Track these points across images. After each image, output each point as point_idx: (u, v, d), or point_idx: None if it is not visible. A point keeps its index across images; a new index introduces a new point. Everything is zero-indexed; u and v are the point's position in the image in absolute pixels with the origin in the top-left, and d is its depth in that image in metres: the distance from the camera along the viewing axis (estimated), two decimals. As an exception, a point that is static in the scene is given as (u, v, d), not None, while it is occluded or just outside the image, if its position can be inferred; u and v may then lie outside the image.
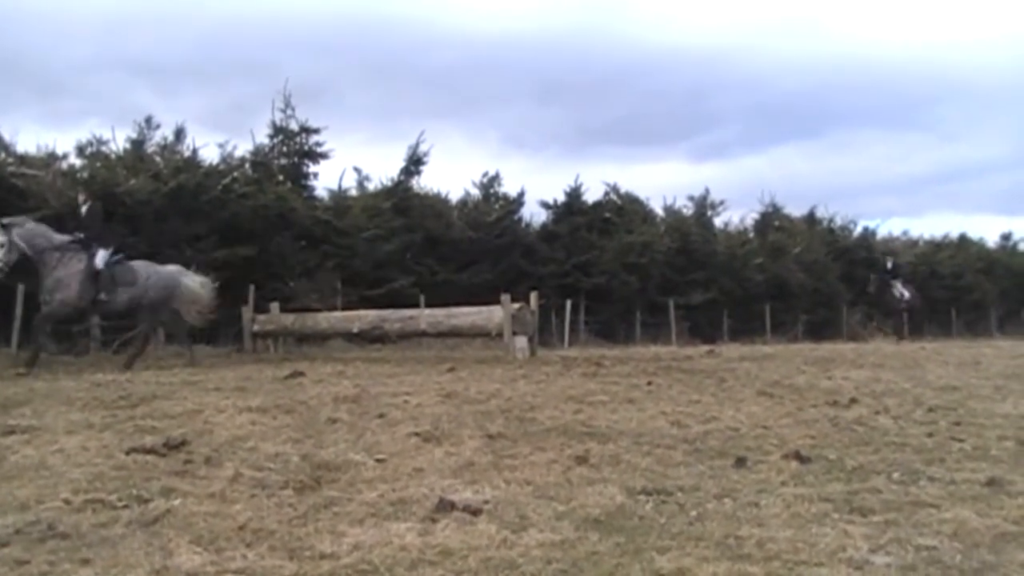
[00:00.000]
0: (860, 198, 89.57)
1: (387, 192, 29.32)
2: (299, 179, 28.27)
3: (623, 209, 34.61)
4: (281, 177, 27.70)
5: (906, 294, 34.97)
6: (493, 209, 31.66)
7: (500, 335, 18.63)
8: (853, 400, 11.39)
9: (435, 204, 30.63)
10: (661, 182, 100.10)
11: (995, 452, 8.09)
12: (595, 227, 33.07)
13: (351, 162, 39.61)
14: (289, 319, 21.71)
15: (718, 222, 38.43)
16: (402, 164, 29.90)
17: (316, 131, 28.07)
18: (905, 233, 47.79)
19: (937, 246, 46.23)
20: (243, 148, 27.47)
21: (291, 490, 6.52)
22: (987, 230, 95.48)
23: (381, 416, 9.67)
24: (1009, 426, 9.45)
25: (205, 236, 23.79)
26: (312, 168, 28.61)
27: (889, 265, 36.24)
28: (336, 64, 70.91)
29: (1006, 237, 52.55)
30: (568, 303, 28.65)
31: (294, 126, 27.91)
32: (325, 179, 29.61)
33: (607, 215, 33.94)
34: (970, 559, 4.90)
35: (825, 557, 4.92)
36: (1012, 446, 8.33)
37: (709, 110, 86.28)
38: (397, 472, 7.11)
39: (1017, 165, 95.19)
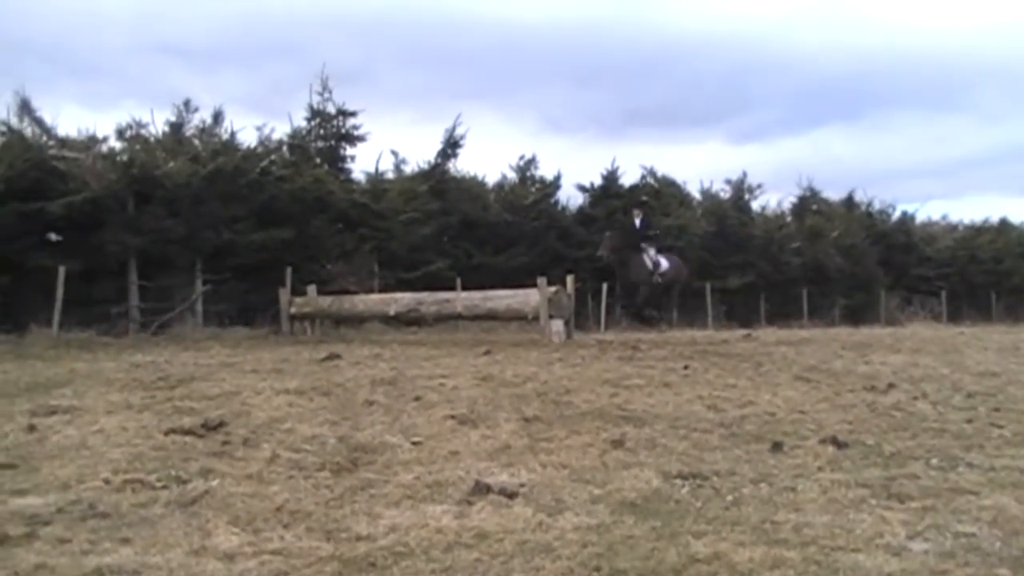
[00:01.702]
0: (899, 181, 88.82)
1: (424, 175, 29.35)
2: (336, 162, 28.37)
3: (660, 192, 34.50)
4: (318, 160, 27.83)
5: (662, 263, 24.21)
6: (529, 192, 31.68)
7: (536, 318, 18.60)
8: (891, 385, 11.31)
9: (471, 187, 30.65)
10: (699, 165, 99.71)
11: (1035, 439, 8.03)
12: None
13: (388, 145, 39.71)
14: (326, 301, 21.77)
15: (755, 206, 38.26)
16: (439, 147, 29.95)
17: (353, 114, 28.16)
18: (944, 217, 47.38)
19: (977, 230, 45.78)
20: (281, 131, 27.63)
21: (328, 472, 6.56)
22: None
23: (417, 399, 9.69)
24: (1050, 413, 9.37)
25: (243, 219, 23.92)
26: (349, 151, 28.73)
27: (637, 222, 24.65)
28: (374, 47, 71.12)
29: (1048, 220, 51.99)
30: (604, 286, 28.56)
31: (331, 109, 28.00)
32: (362, 162, 29.87)
33: (644, 198, 33.81)
34: (1009, 546, 4.86)
35: (862, 543, 4.89)
36: (1052, 433, 8.26)
37: (748, 93, 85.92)
38: (433, 455, 7.14)
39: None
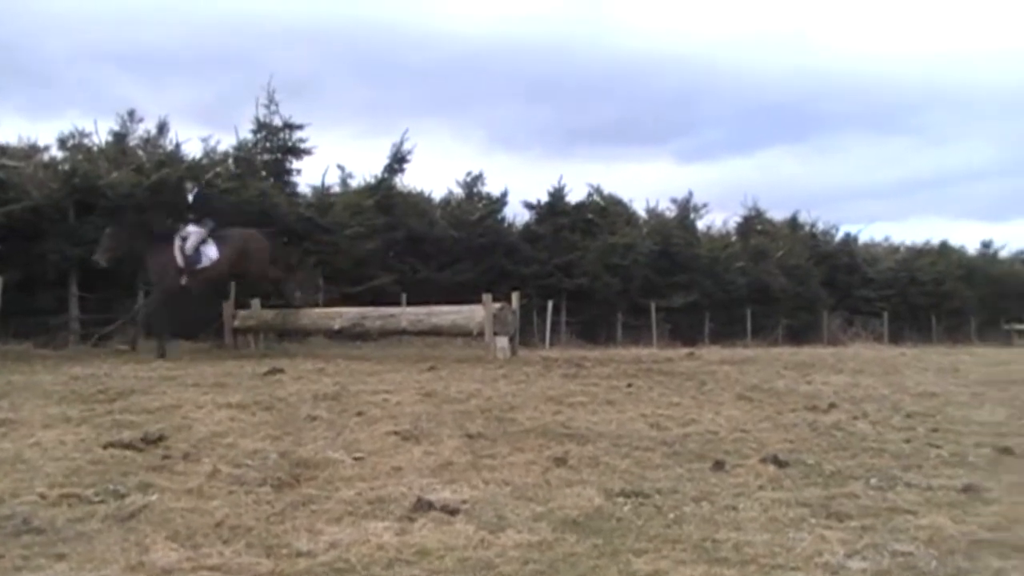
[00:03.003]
0: (844, 202, 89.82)
1: (370, 190, 29.25)
2: (282, 175, 28.18)
3: (606, 210, 34.66)
4: (264, 173, 27.63)
5: (207, 254, 19.03)
6: (476, 208, 31.68)
7: (481, 334, 18.60)
8: (832, 405, 11.44)
9: (418, 202, 30.62)
10: (646, 184, 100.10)
11: (972, 459, 8.13)
12: (578, 228, 33.12)
13: (335, 159, 39.60)
14: (270, 315, 21.62)
15: (701, 225, 38.57)
16: (386, 162, 29.87)
17: (300, 127, 27.98)
18: (887, 239, 47.99)
19: (918, 253, 46.38)
20: (226, 143, 27.35)
21: (269, 487, 6.51)
22: (970, 237, 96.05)
23: (360, 414, 9.65)
24: (986, 433, 9.51)
25: (186, 231, 23.65)
26: (295, 164, 28.51)
27: (190, 197, 19.91)
28: (322, 60, 70.89)
29: (987, 244, 52.77)
30: (550, 303, 28.65)
31: (278, 122, 27.82)
32: (308, 176, 29.63)
33: (590, 216, 33.97)
34: (945, 566, 4.92)
35: (801, 561, 4.93)
36: (989, 453, 8.37)
37: (695, 114, 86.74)
38: (375, 471, 7.10)
39: (1001, 172, 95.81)
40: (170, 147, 25.92)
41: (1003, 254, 52.81)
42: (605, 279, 31.81)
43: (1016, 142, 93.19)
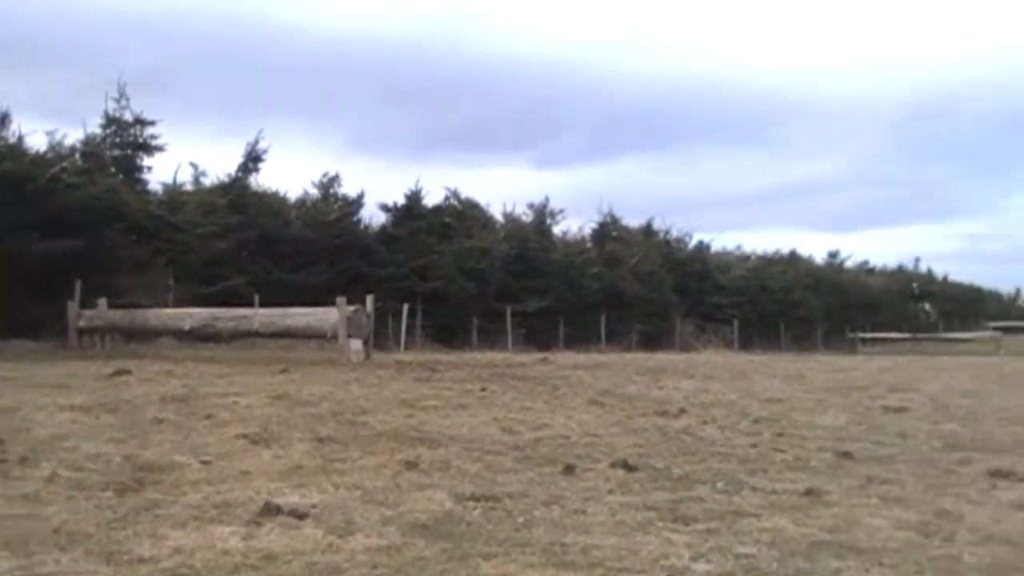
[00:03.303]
0: (699, 211, 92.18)
1: (224, 188, 28.86)
2: (132, 172, 27.61)
3: (463, 214, 34.79)
4: (113, 169, 26.96)
5: None
6: (332, 209, 31.50)
7: (335, 337, 18.47)
8: (682, 410, 11.63)
9: (273, 202, 30.33)
10: (504, 188, 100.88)
11: (814, 463, 8.33)
12: (434, 231, 33.15)
13: (188, 156, 38.80)
14: (117, 315, 21.10)
15: (557, 230, 39.01)
16: (240, 161, 29.49)
17: (151, 123, 27.48)
18: (738, 247, 49.26)
19: (768, 261, 47.69)
20: (74, 137, 26.63)
21: (111, 492, 6.32)
22: (818, 247, 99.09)
23: (209, 417, 9.49)
24: (828, 438, 9.75)
25: (29, 227, 22.84)
26: (146, 161, 28.02)
27: None
28: (176, 54, 69.28)
29: (833, 255, 54.72)
30: (405, 307, 28.57)
31: (128, 117, 27.22)
32: (159, 173, 28.93)
33: (446, 219, 34.01)
34: (786, 567, 5.03)
35: (647, 565, 4.98)
36: (830, 457, 8.59)
37: (554, 119, 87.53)
38: (223, 474, 6.97)
39: (849, 185, 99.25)
40: (12, 139, 25.06)
41: (848, 264, 54.80)
42: (461, 283, 31.88)
43: (863, 157, 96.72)
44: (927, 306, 42.96)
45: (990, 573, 4.95)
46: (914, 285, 48.73)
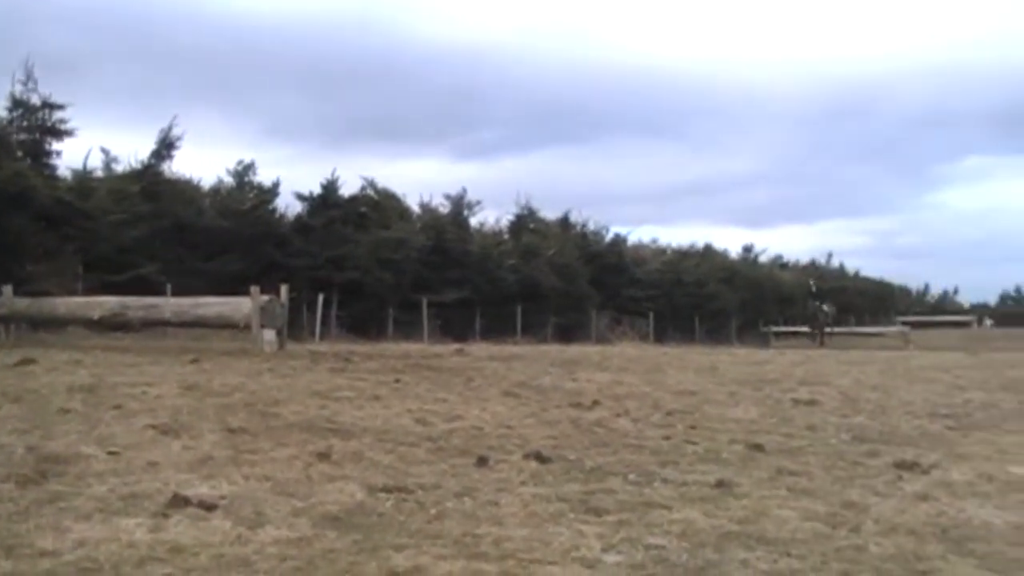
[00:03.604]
0: (616, 204, 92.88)
1: (136, 175, 28.39)
2: (40, 157, 26.97)
3: (379, 204, 34.59)
4: (20, 153, 26.35)
5: None
6: (247, 198, 31.12)
7: (248, 327, 18.26)
8: (595, 402, 11.66)
9: (186, 190, 29.91)
10: (422, 179, 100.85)
11: (725, 455, 8.42)
12: (350, 221, 32.92)
13: (99, 142, 38.11)
14: (23, 303, 20.64)
15: (474, 222, 38.99)
16: (153, 147, 29.01)
17: (60, 107, 26.88)
18: (654, 240, 49.66)
19: (683, 254, 48.16)
20: (-23, 121, 25.99)
21: (13, 484, 6.17)
22: (733, 242, 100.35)
23: (117, 407, 9.33)
24: (739, 430, 9.86)
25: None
26: (55, 146, 27.37)
27: None
28: (87, 38, 68.14)
29: (748, 249, 55.54)
30: (320, 297, 28.36)
31: (36, 100, 26.63)
32: (69, 158, 28.35)
33: (363, 209, 33.81)
34: (695, 558, 5.08)
35: (559, 556, 5.00)
36: (741, 449, 8.69)
37: (473, 110, 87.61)
38: (130, 466, 6.85)
39: (765, 181, 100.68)
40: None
41: (763, 259, 55.61)
42: (377, 273, 31.73)
43: (779, 153, 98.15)
44: (825, 307, 42.54)
45: (893, 563, 5.04)
46: (811, 282, 48.67)
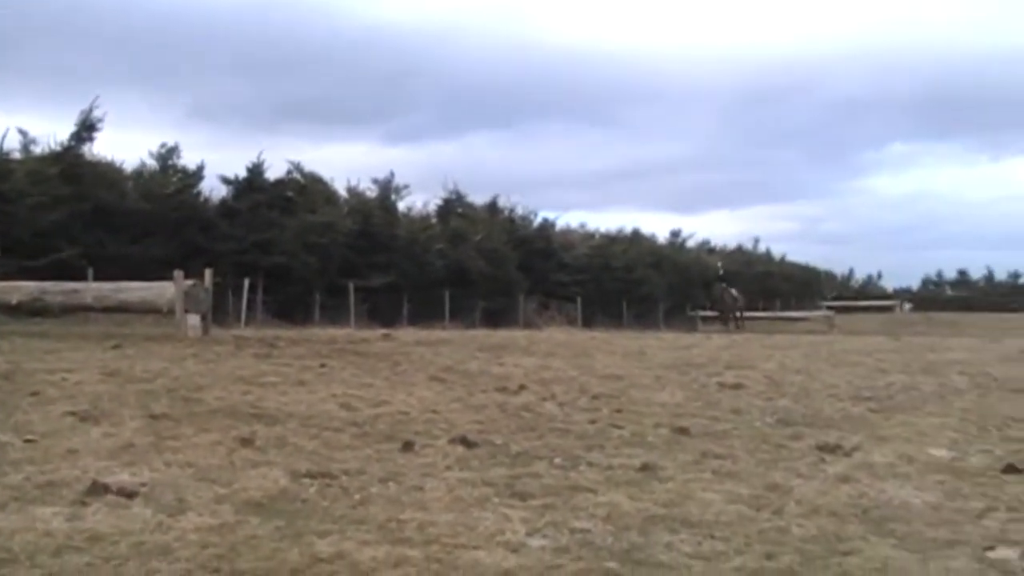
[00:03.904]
0: (546, 189, 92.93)
1: (55, 158, 27.81)
2: (-48, 137, 26.37)
3: (306, 188, 34.28)
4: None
5: None
6: (171, 181, 30.65)
7: (172, 312, 18.03)
8: (522, 387, 11.67)
9: (108, 173, 29.36)
10: (353, 163, 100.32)
11: (651, 439, 8.45)
12: (276, 205, 32.58)
13: (16, 123, 37.24)
14: (-62, 289, 20.17)
15: (402, 206, 38.75)
16: (73, 129, 28.46)
17: (-25, 87, 26.30)
18: (583, 225, 49.82)
19: (611, 239, 48.35)
20: None
21: (-77, 473, 6.04)
22: (661, 227, 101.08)
23: (35, 394, 9.18)
24: (665, 414, 9.90)
25: None
26: (-31, 127, 26.72)
27: None
28: (2, 16, 66.53)
29: (675, 234, 55.94)
30: (246, 281, 28.07)
31: (-51, 79, 26.04)
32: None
33: (289, 193, 33.50)
34: (620, 541, 5.09)
35: (483, 540, 4.98)
36: (666, 433, 8.73)
37: (404, 94, 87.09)
38: (48, 453, 6.72)
39: (693, 166, 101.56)
40: None
41: (690, 244, 56.08)
42: (303, 258, 31.48)
43: (705, 139, 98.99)
44: (734, 291, 41.65)
45: (814, 543, 5.09)
46: (719, 264, 47.69)
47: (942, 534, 5.32)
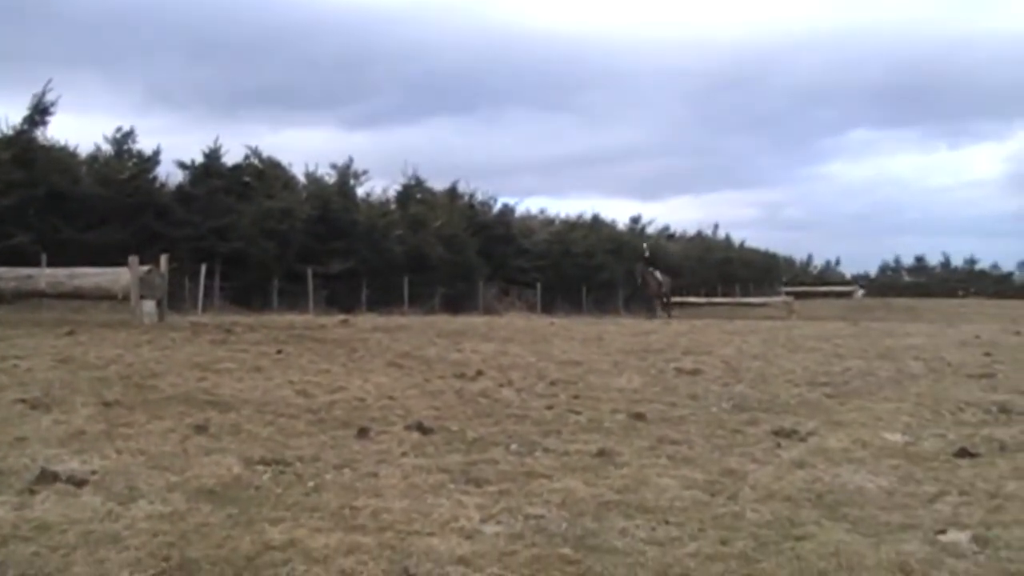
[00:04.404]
0: (506, 175, 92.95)
1: (7, 142, 27.45)
2: (-100, 121, 25.96)
3: (264, 174, 34.07)
4: None
5: None
6: (126, 166, 30.34)
7: (127, 299, 17.85)
8: (479, 372, 11.65)
9: (62, 158, 29.00)
10: (312, 149, 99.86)
11: (608, 424, 8.46)
12: (234, 191, 32.35)
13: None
14: None
15: (361, 192, 38.60)
16: (26, 113, 28.10)
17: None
18: (542, 211, 49.84)
19: (572, 225, 48.40)
20: None
21: None
22: (622, 213, 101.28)
23: (-16, 382, 9.04)
24: (622, 400, 9.91)
25: None
26: (-81, 111, 26.34)
27: None
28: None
29: (635, 220, 56.09)
30: (203, 267, 27.85)
31: None
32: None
33: (246, 179, 33.26)
34: (574, 527, 5.08)
35: (437, 527, 4.96)
36: (623, 419, 8.74)
37: (364, 79, 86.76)
38: (-5, 442, 6.63)
39: (654, 153, 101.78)
40: None
41: (650, 230, 56.23)
42: (261, 244, 31.31)
43: (667, 126, 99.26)
44: (658, 274, 38.76)
45: (769, 528, 5.10)
46: (644, 246, 43.35)
47: (895, 518, 5.35)
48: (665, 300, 38.74)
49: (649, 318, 34.20)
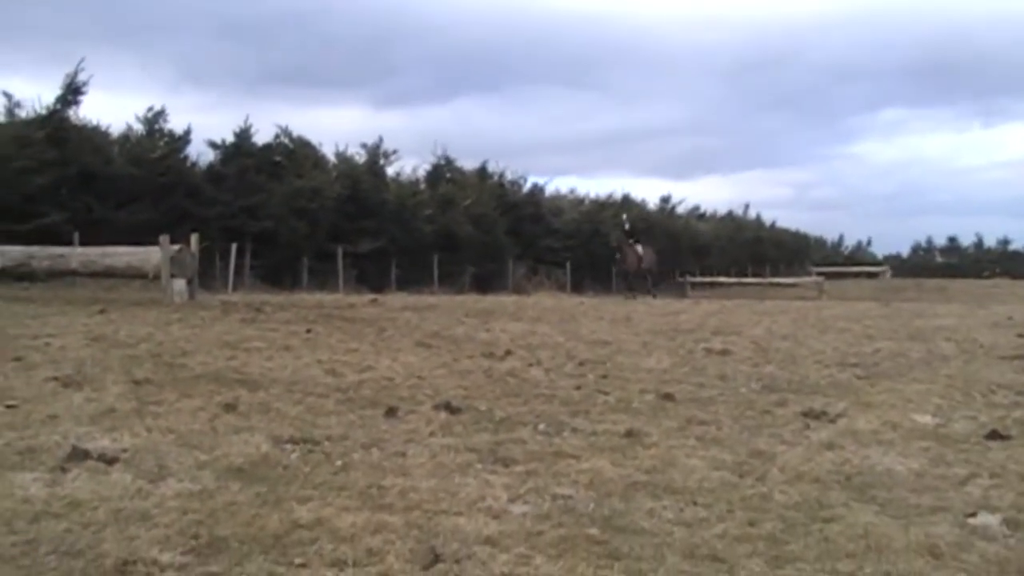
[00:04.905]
0: (536, 154, 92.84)
1: (41, 121, 27.54)
2: (-64, 100, 26.12)
3: (294, 153, 34.08)
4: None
5: None
6: (157, 146, 30.40)
7: (158, 277, 17.94)
8: (508, 352, 11.65)
9: (94, 137, 29.09)
10: (341, 128, 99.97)
11: (636, 405, 8.45)
12: (264, 170, 32.35)
13: (1, 86, 36.70)
14: (-79, 253, 20.02)
15: (390, 171, 38.52)
16: (59, 92, 28.20)
17: (-41, 49, 26.07)
18: (572, 190, 49.67)
19: (601, 205, 48.23)
20: None
21: (-97, 439, 6.00)
22: (653, 193, 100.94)
23: (18, 359, 9.14)
24: (651, 380, 9.89)
25: None
26: (-48, 89, 26.47)
27: None
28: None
29: (665, 200, 55.88)
30: (234, 247, 27.91)
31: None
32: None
33: (277, 158, 33.29)
34: (602, 507, 5.08)
35: (465, 507, 4.97)
36: (652, 399, 8.72)
37: (394, 58, 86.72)
38: (29, 419, 6.68)
39: (685, 132, 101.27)
40: None
41: (680, 210, 56.04)
42: (292, 223, 31.32)
43: (696, 104, 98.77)
44: (639, 248, 35.36)
45: (797, 510, 5.09)
46: (624, 217, 39.78)
47: (925, 501, 5.33)
48: (647, 277, 36.06)
49: (627, 297, 31.27)
